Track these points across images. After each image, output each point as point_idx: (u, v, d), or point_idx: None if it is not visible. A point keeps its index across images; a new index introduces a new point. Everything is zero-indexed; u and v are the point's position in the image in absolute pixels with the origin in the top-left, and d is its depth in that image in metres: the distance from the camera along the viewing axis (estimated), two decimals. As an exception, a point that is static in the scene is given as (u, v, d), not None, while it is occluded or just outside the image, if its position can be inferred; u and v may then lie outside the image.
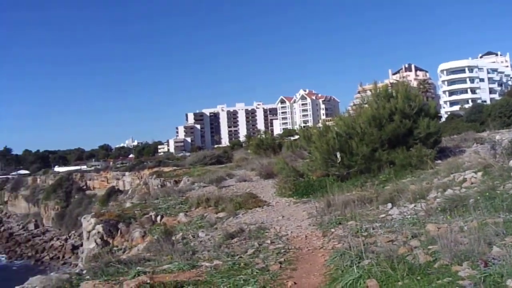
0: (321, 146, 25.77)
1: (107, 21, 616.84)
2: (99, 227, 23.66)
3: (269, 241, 15.15)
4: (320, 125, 30.26)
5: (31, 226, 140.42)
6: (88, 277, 13.31)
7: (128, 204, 33.95)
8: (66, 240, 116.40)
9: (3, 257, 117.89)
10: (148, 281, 11.02)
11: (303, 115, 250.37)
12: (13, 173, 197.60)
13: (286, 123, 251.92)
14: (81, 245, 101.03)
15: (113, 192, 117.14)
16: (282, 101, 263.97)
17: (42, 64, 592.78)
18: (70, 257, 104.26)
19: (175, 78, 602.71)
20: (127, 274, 12.80)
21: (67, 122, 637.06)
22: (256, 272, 11.67)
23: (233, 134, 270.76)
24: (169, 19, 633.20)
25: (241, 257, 13.45)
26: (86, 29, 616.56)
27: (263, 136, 70.30)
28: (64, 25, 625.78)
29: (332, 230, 15.56)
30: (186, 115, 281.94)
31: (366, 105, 28.76)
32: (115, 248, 21.64)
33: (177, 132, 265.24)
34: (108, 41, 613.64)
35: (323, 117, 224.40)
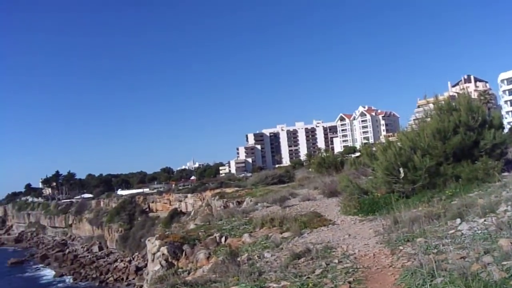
0: (383, 162, 25.40)
1: (164, 48, 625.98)
2: (164, 249, 23.67)
3: (336, 261, 14.87)
4: (383, 140, 29.83)
5: (95, 248, 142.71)
6: (157, 301, 13.28)
7: (191, 226, 34.00)
8: (129, 261, 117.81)
9: (68, 278, 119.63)
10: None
11: (363, 132, 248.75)
12: (77, 197, 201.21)
13: (347, 140, 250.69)
14: (145, 266, 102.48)
15: (175, 214, 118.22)
16: (342, 119, 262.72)
17: (101, 90, 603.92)
18: (133, 279, 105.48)
19: (235, 99, 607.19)
20: (195, 296, 12.72)
21: (129, 146, 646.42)
22: (325, 292, 11.46)
23: (293, 153, 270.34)
24: (228, 39, 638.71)
25: (308, 277, 13.21)
26: (145, 54, 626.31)
27: (325, 154, 70.03)
28: (124, 50, 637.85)
29: (401, 247, 15.17)
30: (246, 136, 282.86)
31: (428, 119, 28.33)
32: (180, 270, 21.59)
33: (237, 153, 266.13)
34: (169, 65, 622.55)
35: (384, 133, 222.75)
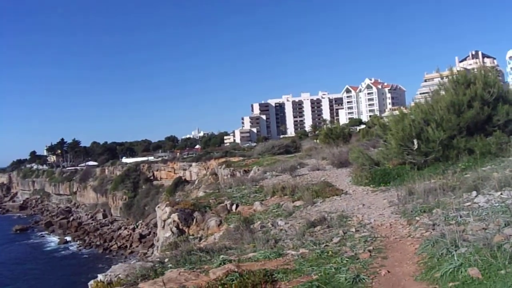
0: (397, 133, 25.16)
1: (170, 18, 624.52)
2: (175, 216, 23.56)
3: (353, 229, 14.71)
4: (388, 113, 29.55)
5: (99, 216, 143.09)
6: (170, 265, 13.14)
7: (199, 194, 33.91)
8: (133, 229, 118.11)
9: (72, 245, 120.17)
10: (236, 270, 10.75)
11: (369, 104, 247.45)
12: (82, 165, 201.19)
13: (352, 112, 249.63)
14: (149, 234, 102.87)
15: (180, 182, 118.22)
16: (348, 91, 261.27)
17: (106, 58, 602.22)
18: (137, 246, 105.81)
19: (240, 69, 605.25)
20: (211, 263, 12.57)
21: (134, 114, 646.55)
22: (346, 260, 11.29)
23: (298, 124, 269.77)
24: (234, 7, 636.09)
25: (327, 245, 13.07)
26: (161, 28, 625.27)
27: (333, 125, 69.87)
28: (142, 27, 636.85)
29: (417, 218, 15.01)
30: (252, 106, 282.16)
31: (443, 92, 28.01)
32: (191, 237, 21.50)
33: (242, 123, 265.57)
34: (176, 33, 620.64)
35: (389, 106, 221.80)
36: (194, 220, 23.51)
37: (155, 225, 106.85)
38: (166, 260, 13.93)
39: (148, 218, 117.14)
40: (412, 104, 32.06)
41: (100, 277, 12.89)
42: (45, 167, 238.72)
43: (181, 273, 11.54)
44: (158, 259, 14.32)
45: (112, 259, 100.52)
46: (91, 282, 12.84)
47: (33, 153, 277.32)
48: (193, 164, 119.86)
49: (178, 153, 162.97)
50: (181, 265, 12.70)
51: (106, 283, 12.11)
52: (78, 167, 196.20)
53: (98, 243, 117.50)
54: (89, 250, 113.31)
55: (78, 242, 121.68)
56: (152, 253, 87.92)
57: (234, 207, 24.00)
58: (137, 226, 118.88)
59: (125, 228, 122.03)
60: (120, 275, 12.50)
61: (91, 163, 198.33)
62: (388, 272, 10.39)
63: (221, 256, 12.80)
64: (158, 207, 27.19)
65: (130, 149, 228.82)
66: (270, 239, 14.71)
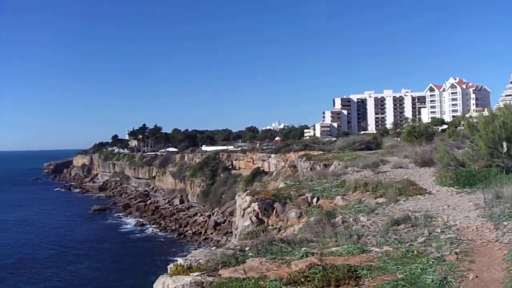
0: (486, 134, 24.46)
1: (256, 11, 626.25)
2: (255, 205, 23.47)
3: (438, 230, 14.31)
4: (485, 113, 28.73)
5: (176, 201, 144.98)
6: (251, 254, 13.06)
7: (281, 185, 33.77)
8: (209, 216, 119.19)
9: (148, 227, 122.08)
10: (319, 263, 10.58)
11: (452, 104, 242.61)
12: (162, 150, 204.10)
13: (434, 111, 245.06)
14: (224, 222, 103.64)
15: (258, 173, 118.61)
16: (431, 89, 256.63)
17: (194, 47, 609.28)
18: (211, 233, 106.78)
19: (323, 63, 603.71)
20: (292, 254, 12.45)
21: (216, 104, 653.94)
22: (432, 261, 10.98)
23: (379, 121, 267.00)
24: (322, 4, 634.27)
25: (411, 244, 12.75)
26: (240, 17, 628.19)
27: (416, 123, 68.81)
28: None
29: (505, 223, 14.52)
30: (333, 100, 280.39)
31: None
32: (270, 227, 21.35)
33: (323, 117, 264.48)
34: (261, 27, 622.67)
35: (473, 107, 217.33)
36: (274, 210, 23.38)
37: (231, 214, 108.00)
38: (247, 248, 13.85)
39: (224, 206, 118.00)
40: (500, 105, 31.26)
41: (180, 260, 12.89)
42: (126, 151, 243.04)
43: (263, 263, 11.44)
44: (239, 247, 14.24)
45: (186, 244, 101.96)
46: (171, 265, 12.85)
47: (115, 137, 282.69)
48: (272, 155, 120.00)
49: (257, 144, 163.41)
50: (262, 255, 12.62)
51: (186, 267, 12.10)
52: (158, 153, 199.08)
53: (173, 227, 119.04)
54: (164, 234, 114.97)
55: (153, 226, 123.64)
56: (226, 240, 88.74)
57: (315, 200, 23.75)
58: (212, 214, 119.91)
59: (201, 215, 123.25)
60: (200, 260, 12.47)
61: (171, 149, 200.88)
62: (476, 276, 10.05)
63: (303, 248, 12.65)
64: (239, 195, 27.15)
65: (211, 137, 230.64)
66: (353, 234, 14.49)
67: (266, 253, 12.78)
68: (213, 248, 15.45)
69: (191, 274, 11.21)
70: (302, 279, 9.93)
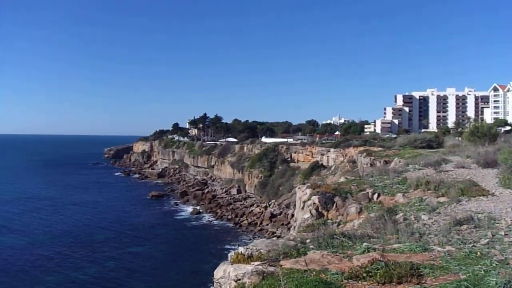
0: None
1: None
2: (315, 199, 23.45)
3: (502, 233, 14.07)
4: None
5: (233, 191, 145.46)
6: (312, 246, 13.08)
7: (341, 179, 33.64)
8: (265, 208, 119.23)
9: (205, 216, 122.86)
10: (381, 259, 10.54)
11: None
12: (222, 140, 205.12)
13: (498, 112, 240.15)
14: (280, 214, 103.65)
15: (316, 167, 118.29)
16: (495, 89, 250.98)
17: (258, 40, 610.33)
18: (267, 224, 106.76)
19: (386, 59, 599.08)
20: (353, 249, 12.43)
21: (277, 96, 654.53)
22: (496, 263, 10.83)
23: (441, 120, 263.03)
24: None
25: (474, 245, 12.59)
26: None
27: (478, 123, 67.75)
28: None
29: None
30: (395, 97, 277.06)
31: None
32: (329, 221, 21.33)
33: (384, 113, 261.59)
34: (321, 23, 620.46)
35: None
36: (334, 204, 23.32)
37: (287, 206, 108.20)
38: (308, 241, 13.87)
39: (281, 198, 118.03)
40: None
41: (241, 249, 12.99)
42: (186, 139, 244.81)
43: (324, 256, 11.45)
44: (299, 239, 14.27)
45: (241, 234, 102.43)
46: (231, 253, 12.95)
47: (175, 125, 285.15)
48: (331, 150, 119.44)
49: (317, 138, 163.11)
50: (323, 248, 12.63)
51: (247, 256, 12.18)
52: (218, 142, 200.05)
53: (229, 217, 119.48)
54: (220, 222, 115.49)
55: (210, 214, 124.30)
56: (281, 232, 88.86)
57: (375, 196, 23.62)
58: (269, 205, 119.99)
59: (257, 206, 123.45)
60: (261, 250, 12.54)
61: (230, 139, 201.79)
62: (542, 283, 9.87)
63: (364, 244, 12.63)
64: (299, 188, 27.17)
65: (270, 129, 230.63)
66: (415, 232, 14.39)
67: (327, 246, 12.79)
68: (274, 239, 15.50)
69: (252, 263, 11.28)
70: (364, 274, 9.92)
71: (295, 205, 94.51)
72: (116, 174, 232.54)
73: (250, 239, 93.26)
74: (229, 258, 12.63)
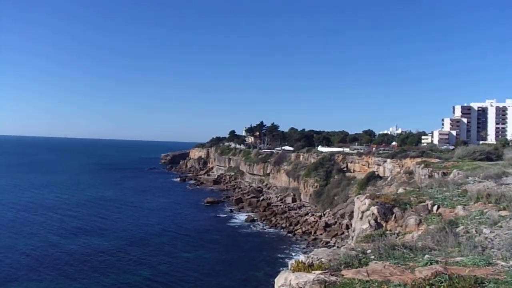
0: None
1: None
2: (374, 209, 23.33)
3: None
4: None
5: (288, 199, 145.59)
6: (373, 257, 13.02)
7: (400, 190, 33.35)
8: (320, 217, 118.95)
9: (260, 223, 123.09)
10: (444, 272, 10.43)
11: None
12: (278, 148, 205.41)
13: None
14: (334, 224, 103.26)
15: (372, 177, 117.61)
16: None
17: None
18: (321, 234, 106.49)
19: (443, 71, 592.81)
20: (415, 260, 12.32)
21: (334, 105, 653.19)
22: (562, 279, 10.63)
23: (500, 132, 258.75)
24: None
25: (540, 261, 12.38)
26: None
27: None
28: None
29: None
30: (453, 108, 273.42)
31: None
32: (388, 232, 21.18)
33: (442, 124, 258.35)
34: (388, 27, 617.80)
35: None
36: (393, 215, 23.16)
37: (342, 216, 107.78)
38: (369, 251, 13.81)
39: (336, 208, 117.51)
40: None
41: (301, 257, 12.99)
42: (242, 146, 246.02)
43: (386, 267, 11.39)
44: (360, 249, 14.21)
45: (295, 242, 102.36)
46: (292, 261, 12.97)
47: (232, 132, 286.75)
48: (388, 160, 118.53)
49: (374, 148, 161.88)
50: (384, 259, 12.57)
51: (307, 264, 12.17)
52: (274, 150, 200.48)
53: (283, 225, 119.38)
54: (273, 230, 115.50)
55: (264, 222, 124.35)
56: (335, 242, 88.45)
57: (435, 208, 23.37)
58: (324, 215, 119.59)
59: (312, 215, 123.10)
60: (322, 259, 12.52)
61: (287, 147, 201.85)
62: None
63: (426, 256, 12.53)
64: (357, 197, 27.05)
65: (327, 138, 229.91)
66: (477, 246, 14.19)
67: (388, 257, 12.71)
68: (335, 248, 15.47)
69: (313, 271, 11.27)
70: (427, 287, 9.82)
71: (350, 215, 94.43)
72: (172, 179, 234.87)
73: (304, 248, 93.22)
74: (289, 266, 12.64)
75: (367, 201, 24.47)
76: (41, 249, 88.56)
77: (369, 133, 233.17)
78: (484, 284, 10.03)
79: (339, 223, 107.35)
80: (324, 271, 11.22)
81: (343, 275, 10.90)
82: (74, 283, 70.94)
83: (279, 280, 11.28)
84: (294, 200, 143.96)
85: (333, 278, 10.46)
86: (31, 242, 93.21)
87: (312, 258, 12.76)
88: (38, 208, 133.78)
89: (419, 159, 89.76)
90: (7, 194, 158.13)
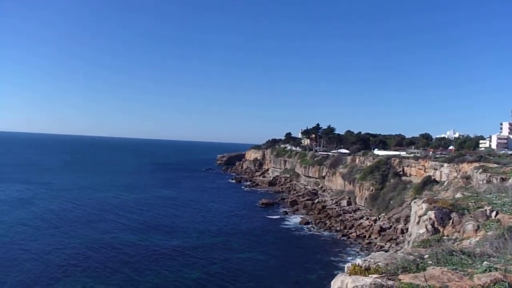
0: None
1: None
2: (431, 214, 23.10)
3: None
4: None
5: (343, 203, 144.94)
6: (430, 262, 12.90)
7: (458, 195, 32.96)
8: (375, 221, 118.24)
9: (314, 226, 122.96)
10: (504, 279, 10.27)
11: None
12: (334, 151, 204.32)
13: None
14: (389, 228, 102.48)
15: (428, 182, 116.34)
16: None
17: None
18: (375, 238, 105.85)
19: (502, 73, 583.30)
20: (473, 267, 12.17)
21: (390, 109, 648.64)
22: None
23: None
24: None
25: None
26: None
27: None
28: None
29: None
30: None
31: None
32: (445, 237, 20.96)
33: (501, 128, 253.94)
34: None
35: None
36: (451, 220, 22.90)
37: (397, 220, 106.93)
38: (426, 256, 13.69)
39: (392, 212, 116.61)
40: None
41: (358, 261, 12.94)
42: (298, 148, 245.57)
43: (444, 272, 11.26)
44: (417, 254, 14.09)
45: (349, 245, 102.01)
46: (349, 264, 12.91)
47: (288, 135, 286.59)
48: (445, 164, 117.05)
49: (431, 152, 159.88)
50: (441, 264, 12.44)
51: (364, 268, 12.11)
52: (330, 153, 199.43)
53: (338, 228, 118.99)
54: (328, 233, 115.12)
55: (318, 224, 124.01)
56: (390, 247, 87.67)
57: (494, 213, 23.01)
58: (379, 219, 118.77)
59: (367, 219, 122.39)
60: (379, 263, 12.45)
61: (343, 150, 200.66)
62: None
63: (485, 262, 12.34)
64: (415, 202, 26.81)
65: (383, 141, 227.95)
66: (537, 253, 13.95)
67: (446, 263, 12.59)
68: (392, 252, 15.37)
69: (370, 275, 11.21)
70: (486, 294, 9.70)
71: (405, 219, 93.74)
72: (228, 180, 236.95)
73: (358, 252, 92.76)
74: (345, 269, 12.59)
75: (424, 206, 24.24)
76: (101, 243, 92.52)
77: (426, 137, 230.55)
78: (544, 293, 9.87)
79: (394, 228, 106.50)
80: (381, 275, 11.16)
81: (400, 279, 10.82)
82: (121, 280, 72.68)
83: (335, 283, 11.24)
84: (349, 204, 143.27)
85: (390, 283, 10.40)
86: (100, 237, 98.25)
87: (369, 261, 12.70)
88: (103, 206, 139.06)
89: (477, 164, 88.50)
90: (72, 192, 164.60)
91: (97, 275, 73.94)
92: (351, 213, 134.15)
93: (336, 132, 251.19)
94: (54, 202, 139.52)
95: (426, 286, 10.17)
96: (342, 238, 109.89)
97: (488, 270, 11.36)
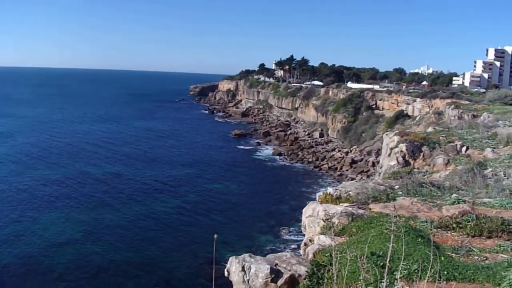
0: None
1: None
2: (403, 146, 23.38)
3: None
4: None
5: (316, 134, 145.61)
6: (400, 192, 13.13)
7: (430, 129, 33.30)
8: (346, 153, 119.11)
9: (286, 157, 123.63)
10: (471, 211, 10.52)
11: None
12: (307, 83, 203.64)
13: None
14: (360, 160, 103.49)
15: (401, 116, 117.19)
16: None
17: None
18: (347, 170, 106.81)
19: (476, 12, 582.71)
20: (442, 199, 12.42)
21: (365, 43, 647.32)
22: None
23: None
24: None
25: None
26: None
27: None
28: None
29: None
30: (487, 50, 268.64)
31: None
32: (415, 170, 21.27)
33: (474, 66, 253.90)
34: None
35: None
36: (422, 154, 23.22)
37: (369, 153, 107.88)
38: (396, 187, 13.93)
39: (363, 145, 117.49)
40: None
41: (330, 190, 13.13)
42: (271, 80, 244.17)
43: (414, 203, 11.52)
44: (387, 185, 14.32)
45: (321, 177, 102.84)
46: (320, 193, 13.12)
47: (261, 66, 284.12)
48: (418, 99, 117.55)
49: (404, 86, 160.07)
50: (411, 195, 12.70)
51: (335, 197, 12.32)
52: (303, 85, 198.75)
53: (310, 159, 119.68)
54: (300, 165, 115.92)
55: (290, 156, 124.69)
56: (361, 179, 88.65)
57: (463, 149, 23.36)
58: (350, 151, 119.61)
59: (339, 151, 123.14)
60: (350, 192, 12.66)
61: (316, 82, 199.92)
62: None
63: (453, 195, 12.60)
64: (386, 134, 27.10)
65: (357, 74, 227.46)
66: (505, 188, 14.22)
67: (415, 194, 12.84)
68: (363, 181, 15.62)
69: (341, 204, 11.41)
70: (454, 225, 9.93)
71: (377, 152, 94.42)
72: (201, 111, 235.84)
73: (330, 184, 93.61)
74: (317, 198, 12.79)
75: (396, 138, 24.51)
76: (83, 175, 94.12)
77: (400, 71, 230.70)
78: (510, 226, 10.11)
79: (366, 160, 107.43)
80: (352, 204, 11.37)
81: (370, 208, 11.05)
82: (115, 205, 75.25)
83: (307, 211, 11.44)
84: (321, 135, 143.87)
85: (361, 211, 10.62)
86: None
87: (340, 190, 12.92)
88: (82, 138, 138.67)
89: (449, 100, 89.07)
90: (49, 125, 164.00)
91: (80, 205, 74.98)
92: (323, 145, 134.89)
93: (310, 64, 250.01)
94: (32, 136, 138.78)
95: (396, 215, 10.39)
96: (314, 169, 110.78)
97: (456, 202, 11.61)
